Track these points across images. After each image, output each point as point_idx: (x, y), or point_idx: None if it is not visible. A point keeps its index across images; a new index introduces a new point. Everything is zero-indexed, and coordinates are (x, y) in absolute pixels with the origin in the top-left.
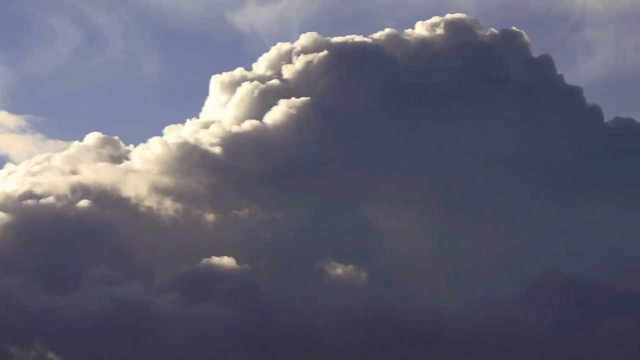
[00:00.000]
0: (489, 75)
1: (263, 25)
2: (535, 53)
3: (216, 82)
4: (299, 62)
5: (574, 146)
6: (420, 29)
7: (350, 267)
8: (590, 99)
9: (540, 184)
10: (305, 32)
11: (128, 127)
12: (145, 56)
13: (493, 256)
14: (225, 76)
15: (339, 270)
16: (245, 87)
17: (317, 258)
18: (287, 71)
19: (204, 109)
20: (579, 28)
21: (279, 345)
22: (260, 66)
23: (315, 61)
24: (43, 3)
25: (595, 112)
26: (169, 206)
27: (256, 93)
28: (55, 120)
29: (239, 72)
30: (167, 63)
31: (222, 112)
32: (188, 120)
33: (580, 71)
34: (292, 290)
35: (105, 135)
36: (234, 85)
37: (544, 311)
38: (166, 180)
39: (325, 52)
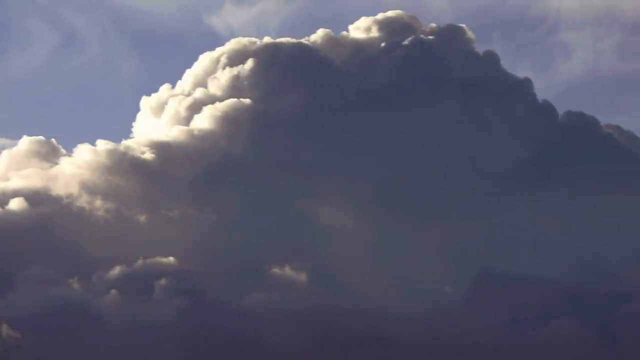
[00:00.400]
0: (429, 73)
1: (240, 26)
2: (513, 55)
3: (145, 103)
4: (225, 75)
5: (522, 142)
6: (356, 30)
7: (289, 266)
8: (568, 100)
9: (487, 181)
10: (282, 33)
11: (105, 128)
12: (122, 58)
13: (436, 255)
14: (153, 97)
15: (279, 270)
16: (173, 102)
17: (255, 258)
18: (213, 85)
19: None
20: (555, 30)
21: (220, 344)
22: (186, 82)
23: (241, 73)
24: (19, 6)
25: (545, 107)
26: (99, 206)
27: (184, 104)
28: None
29: (166, 89)
30: (144, 65)
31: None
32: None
33: (557, 72)
34: (232, 290)
35: (41, 138)
36: (161, 105)
37: (488, 310)
38: (97, 182)
39: (251, 61)
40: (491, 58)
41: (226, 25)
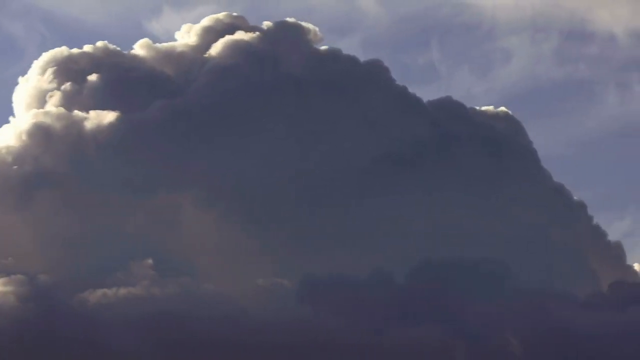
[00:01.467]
0: (262, 75)
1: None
2: (452, 61)
3: None
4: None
5: (380, 137)
6: (182, 37)
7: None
8: (508, 106)
9: (341, 179)
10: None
11: None
12: None
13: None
14: None
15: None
16: None
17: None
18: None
19: None
20: (492, 35)
21: (63, 347)
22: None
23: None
24: None
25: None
26: None
27: None
28: None
29: None
30: None
31: None
32: None
33: (496, 78)
34: (68, 287)
35: None
36: None
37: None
38: None
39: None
40: (334, 54)
41: (166, 30)
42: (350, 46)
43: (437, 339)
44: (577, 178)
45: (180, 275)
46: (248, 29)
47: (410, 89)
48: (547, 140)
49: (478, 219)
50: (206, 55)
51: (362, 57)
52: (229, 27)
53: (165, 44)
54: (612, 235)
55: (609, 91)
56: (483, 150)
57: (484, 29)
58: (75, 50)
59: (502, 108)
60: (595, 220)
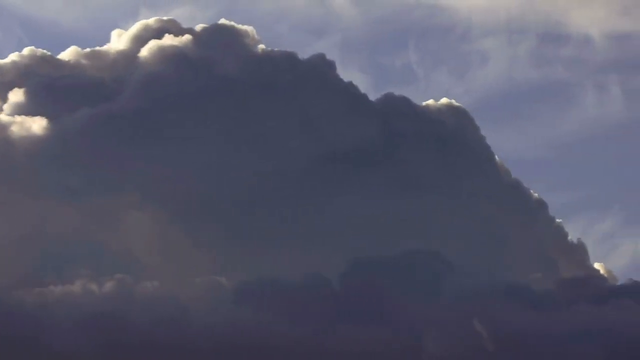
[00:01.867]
0: (194, 79)
1: None
2: (430, 62)
3: None
4: None
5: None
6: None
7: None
8: (486, 108)
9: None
10: None
11: None
12: None
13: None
14: None
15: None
16: None
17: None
18: None
19: None
20: (468, 37)
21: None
22: None
23: None
24: None
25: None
26: None
27: None
28: None
29: None
30: None
31: None
32: None
33: (474, 80)
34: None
35: None
36: None
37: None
38: None
39: None
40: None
41: None
42: (326, 48)
43: (374, 341)
44: (555, 180)
45: (118, 274)
46: (181, 32)
47: (389, 91)
48: (524, 142)
49: (421, 216)
50: (137, 61)
51: (340, 59)
52: (160, 32)
53: (95, 49)
54: (593, 236)
55: (586, 93)
56: (430, 147)
57: (459, 31)
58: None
59: (451, 100)
60: (559, 220)
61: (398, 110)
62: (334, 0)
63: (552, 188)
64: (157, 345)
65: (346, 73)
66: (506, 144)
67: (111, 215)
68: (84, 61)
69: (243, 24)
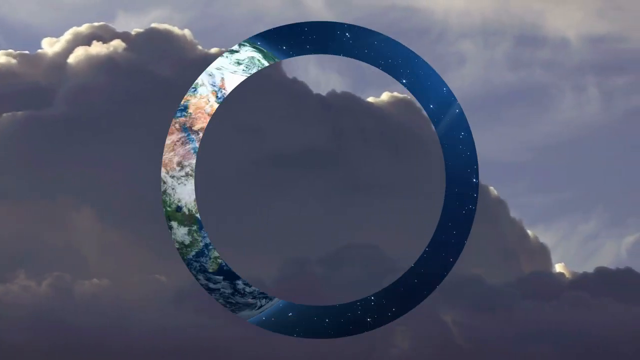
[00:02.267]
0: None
1: None
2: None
3: None
4: None
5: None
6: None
7: None
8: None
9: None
10: None
11: None
12: None
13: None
14: None
15: None
16: None
17: None
18: None
19: None
20: (443, 40)
21: None
22: None
23: None
24: None
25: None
26: None
27: None
28: None
29: None
30: None
31: None
32: None
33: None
34: None
35: None
36: None
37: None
38: None
39: None
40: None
41: None
42: None
43: None
44: (533, 183)
45: (57, 272)
46: (113, 37)
47: (368, 93)
48: (502, 145)
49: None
50: (67, 67)
51: (316, 64)
52: (91, 38)
53: (27, 53)
54: (574, 239)
55: (564, 95)
56: (379, 144)
57: (435, 33)
58: None
59: (395, 93)
60: (525, 222)
61: (346, 107)
62: (308, 2)
63: (531, 190)
64: (96, 343)
65: (324, 76)
66: (484, 146)
67: (49, 216)
68: (14, 65)
69: (218, 26)
